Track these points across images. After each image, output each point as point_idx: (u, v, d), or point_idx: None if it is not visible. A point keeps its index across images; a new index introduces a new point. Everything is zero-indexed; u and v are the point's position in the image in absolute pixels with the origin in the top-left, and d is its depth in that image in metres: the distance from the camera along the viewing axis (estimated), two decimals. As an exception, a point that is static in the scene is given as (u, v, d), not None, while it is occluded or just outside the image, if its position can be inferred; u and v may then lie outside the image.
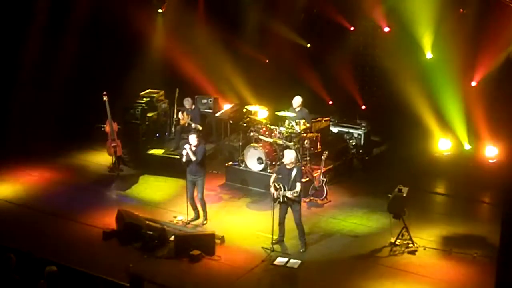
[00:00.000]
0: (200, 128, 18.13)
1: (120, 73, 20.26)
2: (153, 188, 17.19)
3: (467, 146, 18.45)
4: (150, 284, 12.32)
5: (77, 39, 20.44)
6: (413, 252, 14.00)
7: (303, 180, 14.86)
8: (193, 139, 14.81)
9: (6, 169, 17.78)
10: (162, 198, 16.56)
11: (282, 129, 17.12)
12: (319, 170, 16.46)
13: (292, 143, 16.87)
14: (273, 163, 17.02)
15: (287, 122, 17.20)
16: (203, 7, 21.63)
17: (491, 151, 17.80)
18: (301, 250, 14.10)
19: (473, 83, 18.58)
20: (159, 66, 20.63)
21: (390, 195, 14.31)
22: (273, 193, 13.91)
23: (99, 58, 20.14)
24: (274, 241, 14.17)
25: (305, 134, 17.09)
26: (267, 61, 21.43)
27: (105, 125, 17.85)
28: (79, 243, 14.35)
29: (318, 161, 16.77)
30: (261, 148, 17.01)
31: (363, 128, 19.36)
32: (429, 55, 19.01)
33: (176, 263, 13.64)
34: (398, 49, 19.35)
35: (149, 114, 19.51)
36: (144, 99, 19.71)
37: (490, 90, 18.43)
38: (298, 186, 13.82)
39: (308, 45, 21.22)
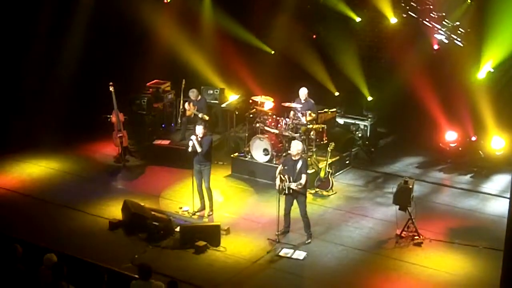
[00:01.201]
0: (207, 118, 18.12)
1: (126, 64, 20.24)
2: (159, 179, 17.20)
3: (473, 138, 18.40)
4: (155, 274, 12.34)
5: (83, 30, 20.44)
6: (418, 244, 13.97)
7: (309, 171, 14.84)
8: (199, 129, 14.81)
9: (13, 160, 17.86)
10: (168, 189, 16.57)
11: (288, 120, 17.10)
12: (325, 162, 16.44)
13: (298, 134, 16.85)
14: (279, 154, 17.02)
15: (292, 113, 17.18)
16: (210, -3, 21.61)
17: (498, 143, 17.77)
18: (306, 242, 14.10)
19: (481, 75, 18.51)
20: (165, 56, 20.60)
21: (395, 187, 14.30)
22: (278, 185, 13.90)
23: (105, 48, 20.12)
24: (279, 233, 14.18)
25: (311, 126, 17.07)
26: (273, 52, 21.40)
27: (111, 116, 17.87)
28: (85, 233, 14.38)
29: (324, 152, 16.74)
30: (266, 139, 17.00)
31: (369, 120, 19.35)
32: (436, 46, 18.95)
33: (181, 254, 13.65)
34: (405, 40, 19.29)
35: (155, 105, 19.53)
36: (151, 89, 19.72)
37: (497, 81, 18.38)
38: (303, 178, 13.80)
39: (314, 36, 21.17)
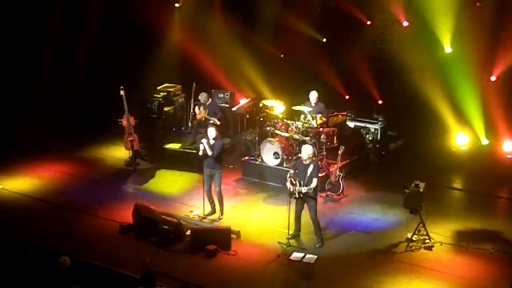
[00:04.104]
0: (218, 123, 18.13)
1: (137, 68, 20.31)
2: (169, 183, 17.22)
3: (484, 141, 18.36)
4: (165, 278, 12.38)
5: (94, 33, 20.52)
6: (429, 248, 13.94)
7: (320, 175, 14.82)
8: (211, 132, 14.82)
9: (24, 163, 17.91)
10: (179, 193, 16.60)
11: (299, 123, 17.10)
12: (336, 165, 16.42)
13: (308, 138, 16.84)
14: (289, 157, 17.01)
15: (303, 116, 17.18)
16: (220, 1, 21.61)
17: (509, 146, 17.72)
18: (317, 245, 14.09)
19: (492, 78, 18.47)
20: (176, 60, 20.67)
21: (406, 190, 14.27)
22: (289, 188, 13.89)
23: (116, 52, 20.18)
24: (290, 236, 14.17)
25: (321, 129, 17.06)
26: (282, 55, 21.39)
27: (122, 119, 17.90)
28: (96, 237, 14.41)
29: (334, 155, 16.71)
30: (277, 142, 17.00)
31: (380, 123, 19.32)
32: (447, 49, 18.91)
33: (192, 258, 13.67)
34: (416, 43, 19.26)
35: (166, 109, 19.57)
36: (161, 93, 19.76)
37: (509, 84, 18.33)
38: (314, 182, 13.78)
39: (324, 39, 21.17)
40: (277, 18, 20.82)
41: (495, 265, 13.29)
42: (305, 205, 14.06)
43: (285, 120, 17.39)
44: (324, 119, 17.25)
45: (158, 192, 16.70)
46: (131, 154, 18.02)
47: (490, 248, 13.80)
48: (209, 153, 14.74)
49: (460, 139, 18.34)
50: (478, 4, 18.55)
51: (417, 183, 14.19)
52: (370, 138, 19.13)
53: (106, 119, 18.86)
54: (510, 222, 14.94)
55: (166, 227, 14.25)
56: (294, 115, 17.64)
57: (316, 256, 13.64)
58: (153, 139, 19.12)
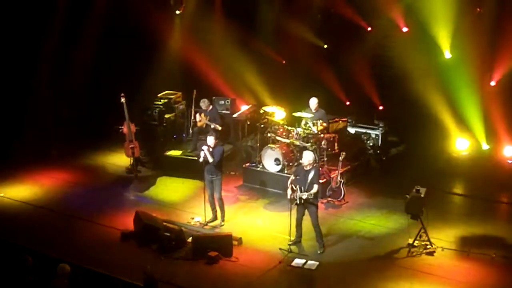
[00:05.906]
0: (219, 128, 18.16)
1: (137, 75, 20.33)
2: (170, 190, 17.23)
3: (485, 146, 18.37)
4: (167, 285, 12.38)
5: (95, 41, 20.56)
6: (431, 253, 13.92)
7: (321, 181, 14.83)
8: (210, 140, 14.84)
9: (25, 171, 17.88)
10: (180, 200, 16.60)
11: (299, 130, 17.11)
12: (337, 171, 16.43)
13: (309, 144, 16.85)
14: (290, 164, 17.01)
15: (304, 122, 17.18)
16: (221, 8, 21.66)
17: (510, 151, 17.72)
18: (318, 252, 14.08)
19: (492, 83, 18.48)
20: (177, 67, 20.69)
21: (407, 196, 14.26)
22: (290, 194, 13.90)
23: (117, 59, 20.21)
24: (291, 243, 14.17)
25: (322, 135, 17.07)
26: (284, 62, 21.42)
27: (123, 127, 17.91)
28: (97, 244, 14.40)
29: (335, 162, 16.73)
30: (278, 149, 17.01)
31: (380, 129, 19.32)
32: (447, 54, 18.94)
33: (193, 265, 13.65)
34: (416, 49, 19.28)
35: (167, 116, 19.59)
36: (162, 100, 19.79)
37: (509, 89, 18.35)
38: (315, 188, 13.79)
39: (325, 46, 21.21)
40: (278, 24, 20.86)
41: (497, 271, 13.29)
42: (306, 212, 14.07)
43: (286, 126, 17.40)
44: (325, 125, 17.25)
45: (159, 199, 16.71)
46: (132, 161, 18.02)
47: (491, 253, 13.78)
48: (210, 159, 14.76)
49: (461, 144, 18.37)
50: (478, 9, 18.58)
51: (418, 188, 14.18)
52: (371, 144, 19.14)
53: (107, 126, 18.87)
54: (512, 227, 14.97)
55: (168, 234, 14.24)
56: (295, 122, 17.65)
57: (317, 263, 13.65)
58: (154, 146, 19.14)
